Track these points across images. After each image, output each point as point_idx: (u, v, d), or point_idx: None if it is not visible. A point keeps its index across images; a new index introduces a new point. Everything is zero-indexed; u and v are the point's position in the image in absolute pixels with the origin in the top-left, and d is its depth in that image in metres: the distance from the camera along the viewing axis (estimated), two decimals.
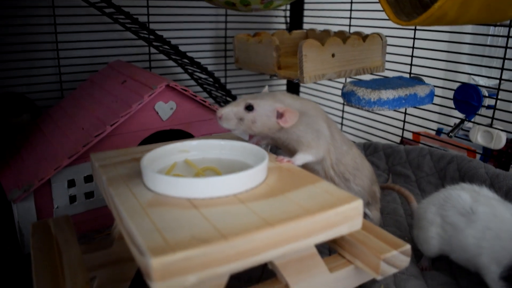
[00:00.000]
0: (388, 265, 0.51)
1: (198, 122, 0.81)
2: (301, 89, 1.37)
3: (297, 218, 0.41)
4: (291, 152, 0.61)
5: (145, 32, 0.95)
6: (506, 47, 0.81)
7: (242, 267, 0.39)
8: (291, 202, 0.44)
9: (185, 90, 0.77)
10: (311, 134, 0.59)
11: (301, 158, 0.58)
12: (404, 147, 0.99)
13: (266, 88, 0.65)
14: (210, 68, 1.20)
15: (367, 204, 0.70)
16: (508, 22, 0.79)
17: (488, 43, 0.88)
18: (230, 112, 0.57)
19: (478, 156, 1.16)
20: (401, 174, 0.95)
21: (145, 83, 0.76)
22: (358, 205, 0.45)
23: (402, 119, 1.09)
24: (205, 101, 0.80)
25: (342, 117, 1.26)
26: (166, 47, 0.97)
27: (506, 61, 0.81)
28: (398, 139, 1.16)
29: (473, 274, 0.64)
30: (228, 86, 1.24)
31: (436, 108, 1.03)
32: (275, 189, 0.47)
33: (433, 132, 1.25)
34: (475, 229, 0.59)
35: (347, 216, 0.44)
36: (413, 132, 1.24)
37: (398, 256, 0.52)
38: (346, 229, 0.45)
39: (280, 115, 0.57)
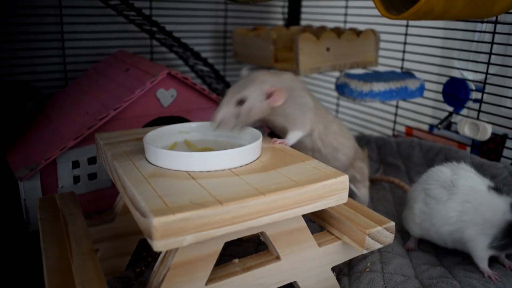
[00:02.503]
0: (373, 240, 0.54)
1: (197, 110, 0.84)
2: None
3: (287, 188, 0.45)
4: (283, 132, 0.64)
5: (148, 24, 0.99)
6: (492, 43, 0.84)
7: (236, 231, 0.43)
8: (282, 176, 0.48)
9: (186, 79, 0.80)
10: (297, 110, 0.61)
11: (293, 137, 0.62)
12: (395, 139, 1.03)
13: (244, 71, 0.63)
14: (209, 61, 1.23)
15: (354, 181, 0.73)
16: (494, 18, 0.83)
17: (476, 39, 0.91)
18: (225, 115, 0.56)
19: (468, 151, 1.19)
20: (392, 165, 0.98)
21: (148, 71, 0.80)
22: (344, 179, 0.49)
23: (395, 113, 1.13)
24: (204, 90, 0.83)
25: (337, 111, 1.30)
26: (169, 39, 1.01)
27: (492, 56, 0.85)
28: (391, 133, 1.19)
29: (456, 255, 0.68)
30: (227, 80, 1.28)
31: (428, 102, 1.07)
32: (268, 165, 0.51)
33: (426, 128, 1.28)
34: (456, 202, 0.63)
35: (334, 189, 0.48)
36: (406, 126, 1.28)
37: (383, 231, 0.55)
38: (333, 202, 0.49)
39: (268, 96, 0.58)
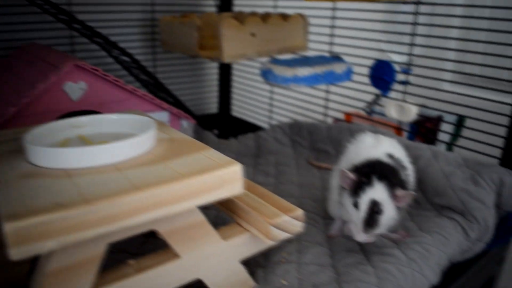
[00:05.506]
0: (279, 229, 0.52)
1: (112, 103, 0.79)
2: (233, 71, 1.37)
3: (168, 182, 0.41)
4: None
5: (62, 12, 0.93)
6: (414, 24, 0.84)
7: (110, 232, 0.39)
8: (168, 168, 0.45)
9: (96, 70, 0.75)
10: None
11: None
12: (325, 125, 1.01)
13: None
14: (138, 51, 1.18)
15: None
16: None
17: (400, 20, 0.91)
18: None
19: (405, 133, 1.20)
20: (323, 150, 0.97)
21: (53, 63, 0.74)
22: (236, 169, 0.46)
23: (332, 99, 1.12)
24: (118, 81, 0.79)
25: (271, 98, 1.27)
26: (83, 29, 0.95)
27: (415, 37, 0.84)
28: (327, 120, 1.18)
29: (379, 240, 0.67)
30: (158, 70, 1.23)
31: (362, 87, 1.06)
32: (157, 158, 0.48)
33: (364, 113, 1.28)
34: None
35: (225, 180, 0.45)
36: (345, 113, 1.27)
37: (290, 221, 0.53)
38: (227, 193, 0.46)
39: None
